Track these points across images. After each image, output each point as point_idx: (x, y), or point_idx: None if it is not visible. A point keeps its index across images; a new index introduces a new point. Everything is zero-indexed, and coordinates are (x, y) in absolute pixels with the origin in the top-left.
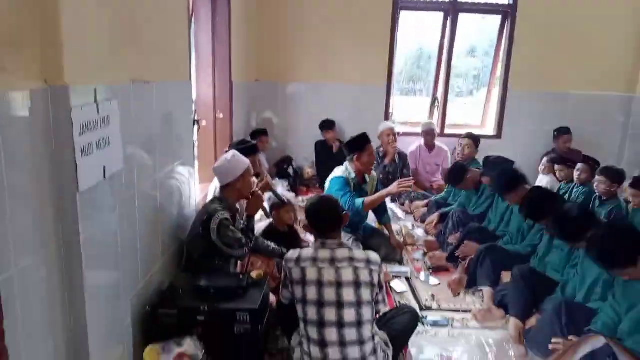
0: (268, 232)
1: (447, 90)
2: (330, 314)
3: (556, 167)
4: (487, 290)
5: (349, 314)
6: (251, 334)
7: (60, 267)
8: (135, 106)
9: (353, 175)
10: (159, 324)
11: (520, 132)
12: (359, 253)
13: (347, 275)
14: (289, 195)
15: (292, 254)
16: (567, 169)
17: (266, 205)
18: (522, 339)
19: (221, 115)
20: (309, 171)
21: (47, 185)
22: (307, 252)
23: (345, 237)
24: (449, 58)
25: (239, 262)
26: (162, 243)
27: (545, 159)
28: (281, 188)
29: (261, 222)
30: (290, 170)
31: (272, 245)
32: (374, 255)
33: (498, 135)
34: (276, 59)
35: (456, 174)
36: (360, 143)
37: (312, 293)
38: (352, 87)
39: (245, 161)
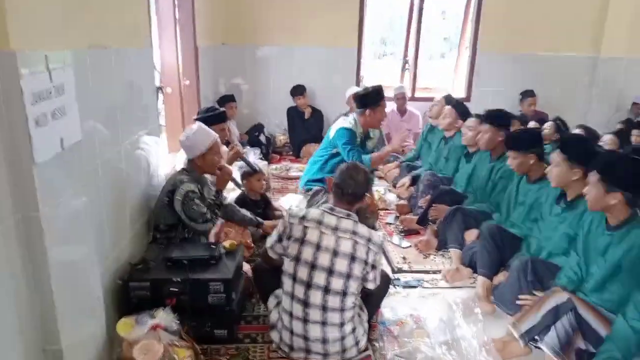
0: (240, 201)
1: (417, 52)
2: (319, 278)
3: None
4: (454, 251)
5: (337, 283)
6: (225, 303)
7: (21, 243)
8: (93, 74)
9: (360, 129)
10: (131, 297)
11: (489, 93)
12: (363, 229)
13: (346, 246)
14: (260, 164)
15: (298, 211)
16: None
17: (238, 173)
18: (489, 296)
19: (187, 82)
20: (282, 138)
21: (1, 159)
22: (314, 213)
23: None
24: (419, 20)
25: (212, 232)
26: (131, 215)
27: None
28: (253, 156)
29: (234, 191)
30: (262, 138)
31: (248, 214)
32: (376, 236)
33: (467, 97)
34: (243, 21)
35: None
36: (376, 97)
37: (307, 253)
38: (322, 50)
39: (212, 135)
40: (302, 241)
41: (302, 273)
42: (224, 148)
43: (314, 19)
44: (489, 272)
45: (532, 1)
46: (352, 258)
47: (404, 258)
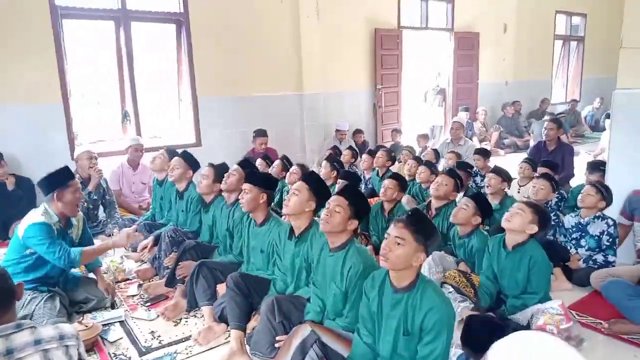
0: None
1: (135, 102)
2: None
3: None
4: (205, 308)
5: None
6: None
7: None
8: None
9: (56, 219)
10: None
11: (219, 136)
12: (47, 331)
13: None
14: None
15: None
16: None
17: None
18: (243, 348)
19: None
20: None
21: None
22: None
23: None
24: (130, 69)
25: None
26: None
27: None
28: None
29: None
30: None
31: None
32: (67, 329)
33: (198, 142)
34: None
35: None
36: (60, 178)
37: None
38: (17, 109)
39: None
40: None
41: None
42: None
43: (4, 73)
44: (240, 322)
45: (239, 46)
46: None
47: (152, 333)
